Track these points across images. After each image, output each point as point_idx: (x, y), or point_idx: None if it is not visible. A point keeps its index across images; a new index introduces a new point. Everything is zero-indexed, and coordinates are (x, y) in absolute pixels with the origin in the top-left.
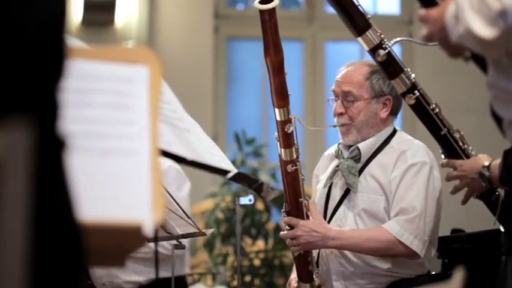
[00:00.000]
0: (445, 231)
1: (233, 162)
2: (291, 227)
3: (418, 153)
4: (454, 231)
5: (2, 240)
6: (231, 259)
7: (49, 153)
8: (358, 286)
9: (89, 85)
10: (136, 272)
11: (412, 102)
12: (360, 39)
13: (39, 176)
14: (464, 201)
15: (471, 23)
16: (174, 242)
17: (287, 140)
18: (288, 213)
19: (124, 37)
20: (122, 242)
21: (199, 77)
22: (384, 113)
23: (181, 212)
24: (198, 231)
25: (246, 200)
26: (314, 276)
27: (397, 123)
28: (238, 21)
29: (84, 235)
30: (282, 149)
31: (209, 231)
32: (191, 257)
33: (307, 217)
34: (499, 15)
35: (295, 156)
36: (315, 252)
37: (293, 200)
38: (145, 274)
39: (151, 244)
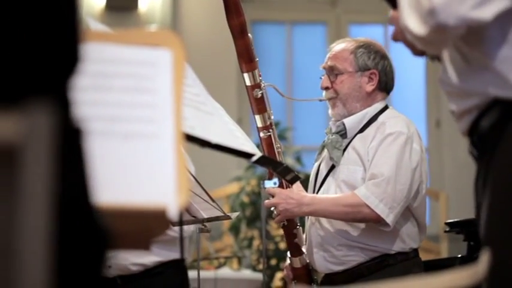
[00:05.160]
0: (470, 213)
1: (258, 146)
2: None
3: (397, 124)
4: None
5: (24, 229)
6: (256, 243)
7: (68, 139)
8: (335, 258)
9: (112, 69)
10: (146, 253)
11: None
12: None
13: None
14: None
15: (407, 19)
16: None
17: (257, 105)
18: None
19: (148, 21)
20: (146, 226)
21: (223, 60)
22: (369, 87)
23: (206, 195)
24: (223, 214)
25: (270, 183)
26: (303, 250)
27: (420, 117)
28: (263, 4)
29: (103, 218)
30: (255, 116)
31: (234, 215)
32: (217, 240)
33: (287, 186)
34: (429, 13)
35: (268, 122)
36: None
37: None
38: (152, 256)
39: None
